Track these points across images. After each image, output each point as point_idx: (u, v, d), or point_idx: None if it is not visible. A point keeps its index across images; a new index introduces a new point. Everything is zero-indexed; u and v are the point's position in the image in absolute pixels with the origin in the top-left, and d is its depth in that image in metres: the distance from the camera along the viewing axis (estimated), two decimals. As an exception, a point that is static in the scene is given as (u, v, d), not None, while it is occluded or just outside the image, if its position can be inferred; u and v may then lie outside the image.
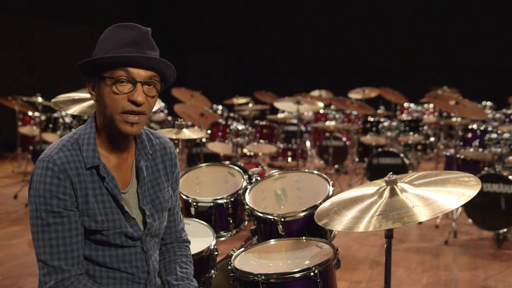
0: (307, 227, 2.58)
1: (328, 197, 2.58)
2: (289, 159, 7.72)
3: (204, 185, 3.29)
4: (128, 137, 1.84)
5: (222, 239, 3.09)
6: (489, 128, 5.50)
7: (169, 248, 2.06)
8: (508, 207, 4.84)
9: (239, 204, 3.11)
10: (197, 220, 3.00)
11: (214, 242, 2.78)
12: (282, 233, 2.59)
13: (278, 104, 7.28)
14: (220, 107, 9.26)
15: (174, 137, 3.28)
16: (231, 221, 3.07)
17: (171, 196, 2.00)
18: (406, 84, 11.09)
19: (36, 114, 8.06)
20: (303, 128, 9.09)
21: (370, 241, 5.02)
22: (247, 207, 2.74)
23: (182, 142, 3.45)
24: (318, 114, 8.79)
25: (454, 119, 5.62)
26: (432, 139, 8.53)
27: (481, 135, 5.47)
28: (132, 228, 1.83)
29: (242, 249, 2.53)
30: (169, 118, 9.69)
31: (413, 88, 10.33)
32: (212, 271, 2.76)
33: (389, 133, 7.14)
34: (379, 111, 9.16)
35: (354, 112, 8.46)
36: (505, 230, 4.87)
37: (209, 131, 6.01)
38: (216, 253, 2.78)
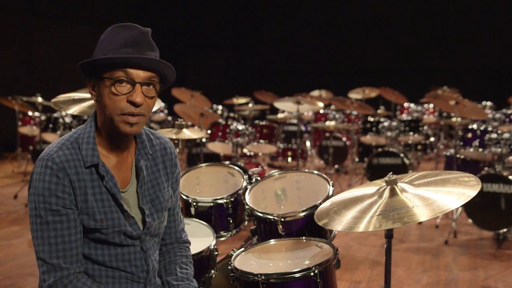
0: (307, 227, 2.58)
1: (328, 197, 2.58)
2: (289, 159, 7.72)
3: (204, 185, 3.29)
4: (128, 137, 1.84)
5: (222, 239, 3.09)
6: (489, 128, 5.50)
7: (169, 248, 2.06)
8: (508, 207, 4.84)
9: (239, 204, 3.11)
10: (197, 220, 3.00)
11: (214, 242, 2.78)
12: (282, 233, 2.59)
13: (278, 104, 7.28)
14: (220, 107, 9.27)
15: (174, 137, 3.28)
16: (231, 221, 3.07)
17: (171, 196, 2.00)
18: (406, 84, 11.09)
19: (36, 114, 8.06)
20: (303, 128, 9.09)
21: (370, 241, 5.02)
22: (247, 207, 2.74)
23: (182, 142, 3.45)
24: (318, 114, 8.79)
25: (454, 119, 5.62)
26: (432, 139, 8.53)
27: (481, 135, 5.47)
28: (131, 227, 1.83)
29: (242, 249, 2.53)
30: (169, 118, 9.69)
31: (413, 88, 10.32)
32: (212, 271, 2.76)
33: (389, 133, 7.14)
34: (379, 111, 9.16)
35: (354, 112, 8.46)
36: (505, 230, 4.87)
37: (209, 131, 6.01)
38: (216, 253, 2.78)
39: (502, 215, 4.89)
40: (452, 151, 6.29)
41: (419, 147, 8.32)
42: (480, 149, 5.44)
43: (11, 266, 4.34)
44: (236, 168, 3.30)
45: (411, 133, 7.51)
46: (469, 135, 5.57)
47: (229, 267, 2.37)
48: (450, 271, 4.23)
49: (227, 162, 4.11)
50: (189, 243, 2.13)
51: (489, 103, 9.23)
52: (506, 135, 5.12)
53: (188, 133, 3.37)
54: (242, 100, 9.55)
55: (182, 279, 1.98)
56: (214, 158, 6.88)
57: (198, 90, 8.12)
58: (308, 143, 9.02)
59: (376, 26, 13.20)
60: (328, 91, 10.54)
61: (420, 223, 5.50)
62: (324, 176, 2.81)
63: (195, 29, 14.33)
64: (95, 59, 1.72)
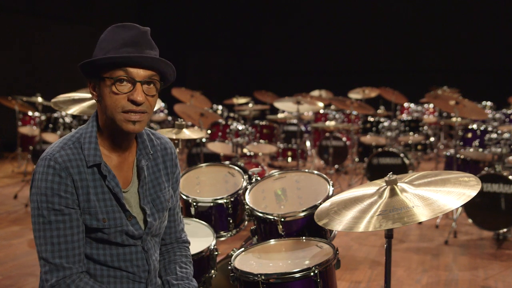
0: (307, 227, 2.59)
1: (328, 197, 2.58)
2: (289, 159, 7.72)
3: (204, 185, 3.30)
4: (130, 136, 1.85)
5: (222, 239, 3.09)
6: (489, 128, 5.50)
7: (169, 248, 2.06)
8: (508, 207, 4.84)
9: (239, 204, 3.11)
10: (197, 220, 3.00)
11: (214, 242, 2.78)
12: (282, 233, 2.59)
13: (278, 104, 7.29)
14: (220, 107, 9.26)
15: (174, 137, 3.28)
16: (231, 221, 3.08)
17: (172, 196, 2.00)
18: (406, 84, 11.09)
19: (36, 114, 8.06)
20: (303, 128, 9.09)
21: (370, 241, 5.02)
22: (247, 207, 2.74)
23: (182, 142, 3.45)
24: (318, 114, 8.79)
25: (454, 119, 5.62)
26: (432, 139, 8.54)
27: (481, 135, 5.47)
28: (133, 226, 1.84)
29: (242, 249, 2.53)
30: (169, 118, 9.69)
31: (413, 88, 10.33)
32: (212, 271, 2.76)
33: (389, 133, 7.14)
34: (379, 111, 9.16)
35: (354, 112, 8.46)
36: (505, 230, 4.87)
37: (209, 131, 6.01)
38: (216, 253, 2.78)
39: (502, 215, 4.89)
40: (452, 151, 6.29)
41: (419, 147, 8.32)
42: (480, 149, 5.44)
43: (11, 266, 4.34)
44: (236, 168, 3.30)
45: (411, 133, 7.51)
46: (469, 135, 5.57)
47: (229, 267, 2.37)
48: (450, 271, 4.24)
49: (227, 162, 4.11)
50: (189, 243, 2.13)
51: (489, 103, 9.23)
52: (506, 135, 5.12)
53: (188, 133, 3.38)
54: (242, 100, 9.55)
55: (182, 278, 1.98)
56: (214, 158, 6.88)
57: (198, 90, 8.12)
58: (308, 143, 9.02)
59: (376, 26, 13.20)
60: (328, 91, 10.55)
61: (420, 223, 5.50)
62: (324, 176, 2.81)
63: (195, 29, 14.33)
64: (95, 59, 1.72)
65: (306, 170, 2.94)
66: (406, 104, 9.74)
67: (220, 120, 6.10)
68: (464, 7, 12.51)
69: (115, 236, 1.80)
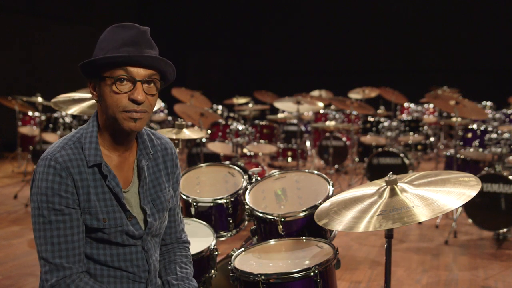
0: (307, 227, 2.59)
1: (328, 197, 2.58)
2: (289, 159, 7.72)
3: (204, 185, 3.30)
4: (130, 136, 1.85)
5: (222, 239, 3.09)
6: (489, 128, 5.50)
7: (169, 248, 2.06)
8: (508, 207, 4.84)
9: (239, 204, 3.11)
10: (197, 220, 3.00)
11: (214, 242, 2.78)
12: (282, 233, 2.59)
13: (278, 104, 7.28)
14: (220, 107, 9.26)
15: (174, 137, 3.28)
16: (231, 221, 3.08)
17: (172, 196, 2.00)
18: (406, 84, 11.09)
19: (36, 114, 8.06)
20: (303, 128, 9.09)
21: (370, 241, 5.02)
22: (247, 207, 2.74)
23: (182, 142, 3.45)
24: (318, 114, 8.79)
25: (454, 119, 5.62)
26: (432, 139, 8.54)
27: (481, 135, 5.47)
28: (133, 226, 1.84)
29: (242, 249, 2.54)
30: (169, 118, 9.69)
31: (413, 88, 10.33)
32: (212, 271, 2.76)
33: (389, 133, 7.14)
34: (379, 111, 9.16)
35: (354, 112, 8.46)
36: (505, 230, 4.87)
37: (209, 131, 6.01)
38: (216, 253, 2.78)
39: (502, 215, 4.89)
40: (452, 151, 6.29)
41: (419, 147, 8.32)
42: (480, 149, 5.44)
43: (11, 266, 4.34)
44: (236, 168, 3.30)
45: (411, 133, 7.51)
46: (469, 135, 5.57)
47: (229, 267, 2.37)
48: (450, 271, 4.24)
49: (227, 162, 4.11)
50: (189, 243, 2.13)
51: (489, 103, 9.23)
52: (506, 135, 5.12)
53: (188, 133, 3.38)
54: (242, 100, 9.55)
55: (182, 278, 1.98)
56: (214, 158, 6.87)
57: (198, 90, 8.12)
58: (308, 143, 9.02)
59: (376, 26, 13.20)
60: (328, 91, 10.54)
61: (420, 223, 5.50)
62: (324, 176, 2.81)
63: (195, 29, 14.33)
64: (95, 59, 1.73)
65: (306, 170, 2.94)
66: (406, 104, 9.74)
67: (220, 120, 6.10)
68: (464, 7, 12.51)
69: (115, 236, 1.80)
